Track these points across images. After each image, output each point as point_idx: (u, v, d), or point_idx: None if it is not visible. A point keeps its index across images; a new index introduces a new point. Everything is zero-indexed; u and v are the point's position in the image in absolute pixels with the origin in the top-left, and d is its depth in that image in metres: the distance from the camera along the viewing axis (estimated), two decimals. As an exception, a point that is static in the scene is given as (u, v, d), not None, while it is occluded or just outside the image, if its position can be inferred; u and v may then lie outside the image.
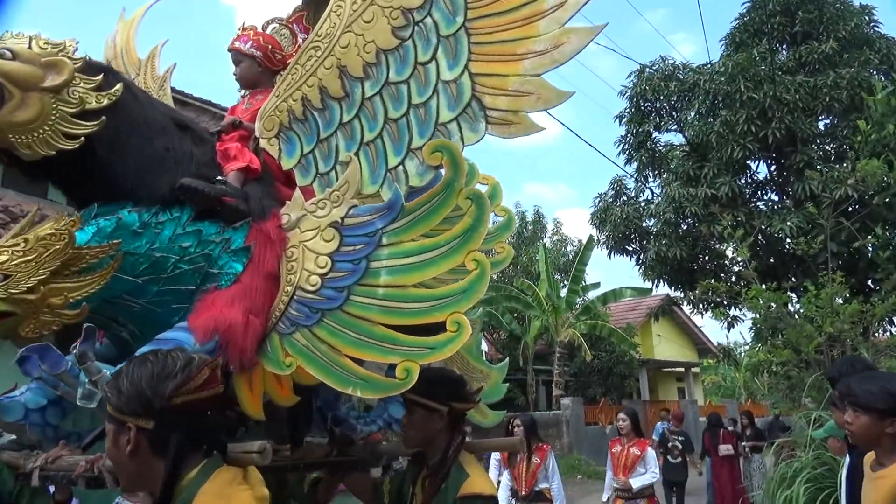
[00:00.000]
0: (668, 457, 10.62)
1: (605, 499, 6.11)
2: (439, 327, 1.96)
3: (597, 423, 18.14)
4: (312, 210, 2.14)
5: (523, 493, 5.48)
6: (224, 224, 2.16)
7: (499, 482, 6.48)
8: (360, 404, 2.64)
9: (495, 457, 6.67)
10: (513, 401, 19.96)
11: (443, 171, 2.08)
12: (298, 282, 2.07)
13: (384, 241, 2.03)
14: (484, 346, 23.38)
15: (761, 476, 10.23)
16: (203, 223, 2.13)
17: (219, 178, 2.23)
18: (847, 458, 3.08)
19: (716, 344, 21.71)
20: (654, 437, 7.25)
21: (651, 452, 6.10)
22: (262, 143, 2.32)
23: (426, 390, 2.10)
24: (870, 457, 2.42)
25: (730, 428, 11.00)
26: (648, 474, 5.94)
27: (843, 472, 3.08)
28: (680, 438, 10.73)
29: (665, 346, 24.34)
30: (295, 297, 2.06)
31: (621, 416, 6.26)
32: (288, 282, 2.09)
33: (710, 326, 66.33)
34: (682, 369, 26.31)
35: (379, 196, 2.14)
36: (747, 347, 15.63)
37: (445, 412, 2.14)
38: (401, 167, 2.14)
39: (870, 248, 9.42)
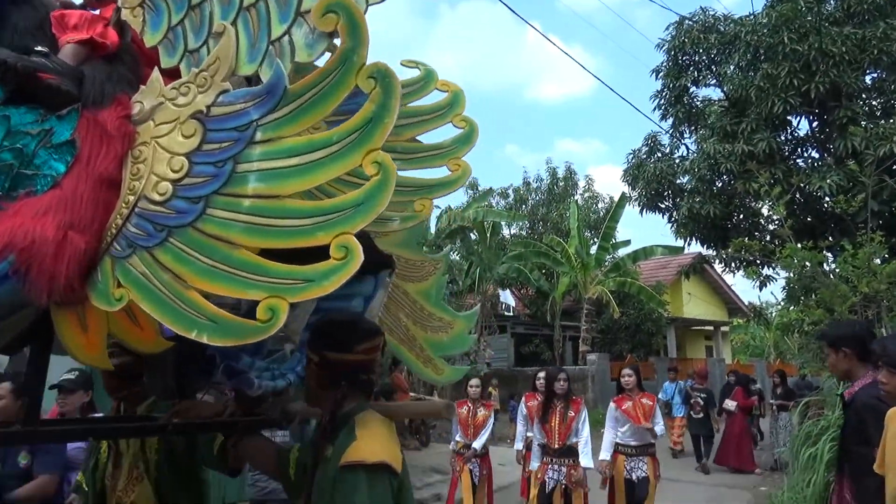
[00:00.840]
0: (692, 412, 10.87)
1: (606, 457, 6.02)
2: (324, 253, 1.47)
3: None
4: (172, 97, 1.65)
5: (556, 445, 5.58)
6: (45, 111, 1.67)
7: (527, 438, 6.65)
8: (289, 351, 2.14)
9: (522, 411, 6.82)
10: (539, 356, 20.17)
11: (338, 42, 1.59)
12: (144, 190, 1.58)
13: (258, 136, 1.56)
14: (511, 302, 23.65)
15: (787, 434, 10.29)
16: (15, 109, 1.65)
17: (39, 48, 1.75)
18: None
19: (747, 303, 21.48)
20: (659, 396, 7.28)
21: (657, 407, 6.15)
22: (124, 13, 1.84)
23: (310, 337, 1.85)
24: (893, 412, 2.44)
25: (754, 387, 11.06)
26: (658, 427, 6.02)
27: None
28: (702, 395, 10.94)
29: (695, 304, 24.17)
30: (136, 210, 1.57)
31: (627, 371, 6.25)
32: (130, 189, 1.60)
33: (741, 286, 65.64)
34: (711, 328, 26.17)
35: (259, 78, 1.66)
36: (779, 307, 15.48)
37: (315, 362, 1.81)
38: (286, 38, 1.66)
39: (912, 208, 9.16)
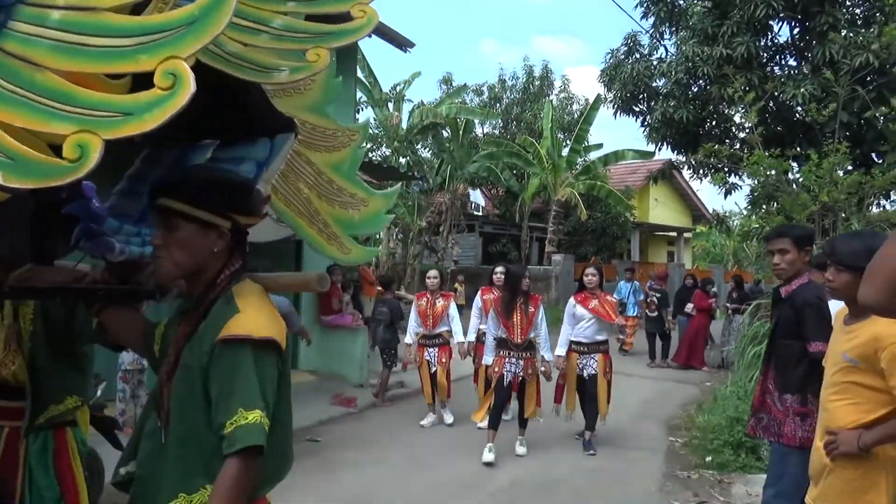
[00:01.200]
0: (647, 311, 11.37)
1: (562, 353, 6.11)
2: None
3: (585, 280, 18.76)
4: None
5: (518, 341, 5.67)
6: None
7: (479, 331, 6.73)
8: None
9: (477, 304, 6.84)
10: (506, 255, 20.48)
11: None
12: None
13: None
14: (481, 201, 23.71)
15: (738, 335, 10.81)
16: None
17: None
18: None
19: (710, 211, 21.89)
20: (614, 295, 7.52)
21: (614, 299, 6.47)
22: None
23: (197, 195, 1.57)
24: (842, 311, 2.54)
25: (711, 290, 11.46)
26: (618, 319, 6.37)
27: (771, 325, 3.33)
28: (657, 295, 11.43)
29: (661, 210, 24.57)
30: None
31: (591, 271, 6.29)
32: None
33: (706, 194, 66.64)
34: (675, 234, 26.78)
35: None
36: (741, 216, 15.81)
37: (228, 228, 1.60)
38: None
39: (881, 120, 9.23)
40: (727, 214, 17.90)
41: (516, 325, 5.70)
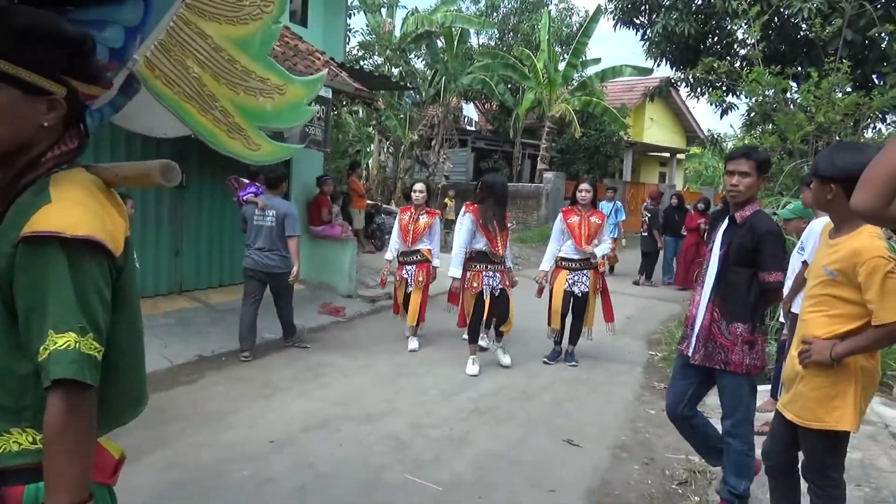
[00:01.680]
0: (641, 231, 11.44)
1: (545, 268, 6.00)
2: None
3: (576, 199, 18.74)
4: None
5: (501, 252, 5.65)
6: None
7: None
8: None
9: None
10: (498, 171, 20.31)
11: None
12: None
13: None
14: (474, 116, 23.27)
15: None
16: None
17: None
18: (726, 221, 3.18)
19: (705, 132, 21.63)
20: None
21: (606, 224, 6.09)
22: None
23: (20, 50, 1.20)
24: (828, 226, 2.54)
25: (700, 207, 11.44)
26: (604, 245, 6.00)
27: (721, 229, 3.14)
28: (648, 215, 11.45)
29: (655, 130, 24.26)
30: None
31: (584, 186, 5.95)
32: None
33: (702, 115, 65.68)
34: (668, 154, 26.54)
35: None
36: (735, 138, 15.64)
37: (63, 97, 1.26)
38: None
39: (885, 39, 8.99)
40: (721, 136, 17.71)
41: (498, 237, 5.66)
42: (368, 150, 18.42)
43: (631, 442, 4.35)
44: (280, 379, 5.34)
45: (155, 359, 5.56)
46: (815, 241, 3.87)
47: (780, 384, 4.49)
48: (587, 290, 5.96)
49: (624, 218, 11.85)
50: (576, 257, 5.92)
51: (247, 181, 6.25)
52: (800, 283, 4.05)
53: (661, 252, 11.72)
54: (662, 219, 11.73)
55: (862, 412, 2.41)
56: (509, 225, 5.80)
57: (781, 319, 4.41)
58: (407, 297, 6.47)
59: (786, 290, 4.36)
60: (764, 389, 5.23)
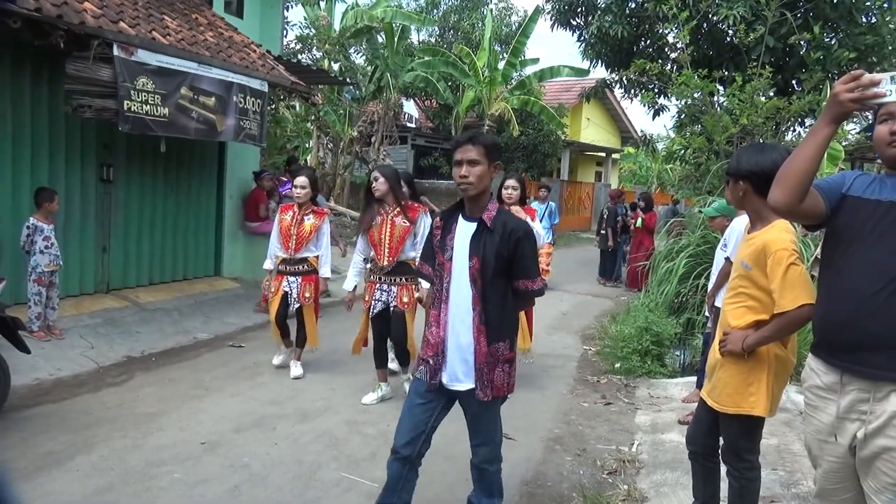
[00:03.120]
0: (600, 229, 11.67)
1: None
2: None
3: (515, 197, 18.99)
4: None
5: (385, 263, 4.67)
6: None
7: None
8: None
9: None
10: (438, 169, 20.39)
11: None
12: None
13: None
14: (415, 113, 23.28)
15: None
16: None
17: None
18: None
19: (639, 132, 22.30)
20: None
21: (537, 221, 5.53)
22: None
23: None
24: (747, 225, 2.69)
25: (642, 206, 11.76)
26: (541, 248, 5.49)
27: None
28: (605, 213, 11.72)
29: (591, 130, 24.84)
30: None
31: (511, 183, 5.09)
32: None
33: (636, 115, 67.65)
34: (604, 154, 27.23)
35: None
36: (667, 140, 16.18)
37: None
38: None
39: (804, 47, 9.48)
40: (654, 137, 18.31)
41: (383, 243, 4.66)
42: (307, 146, 18.15)
43: (564, 434, 4.46)
44: (213, 379, 5.22)
45: (80, 360, 5.35)
46: (737, 238, 4.07)
47: (704, 376, 4.70)
48: None
49: (557, 221, 11.56)
50: None
51: (285, 179, 7.62)
52: (723, 278, 4.23)
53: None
54: (600, 217, 11.90)
55: (776, 398, 2.54)
56: (404, 224, 4.66)
57: (707, 314, 4.60)
58: (285, 312, 5.34)
59: (710, 286, 4.57)
60: (691, 381, 5.46)
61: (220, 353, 6.02)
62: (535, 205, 9.82)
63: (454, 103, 19.73)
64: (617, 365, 6.07)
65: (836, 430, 2.00)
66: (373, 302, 4.74)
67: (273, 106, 11.40)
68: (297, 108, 15.76)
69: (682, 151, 9.60)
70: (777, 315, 2.34)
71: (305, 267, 5.34)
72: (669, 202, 15.27)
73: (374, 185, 4.67)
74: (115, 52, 5.77)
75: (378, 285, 4.74)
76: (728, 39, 10.74)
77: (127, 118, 5.92)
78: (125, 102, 5.87)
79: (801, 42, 9.07)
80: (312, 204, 5.47)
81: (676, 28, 9.02)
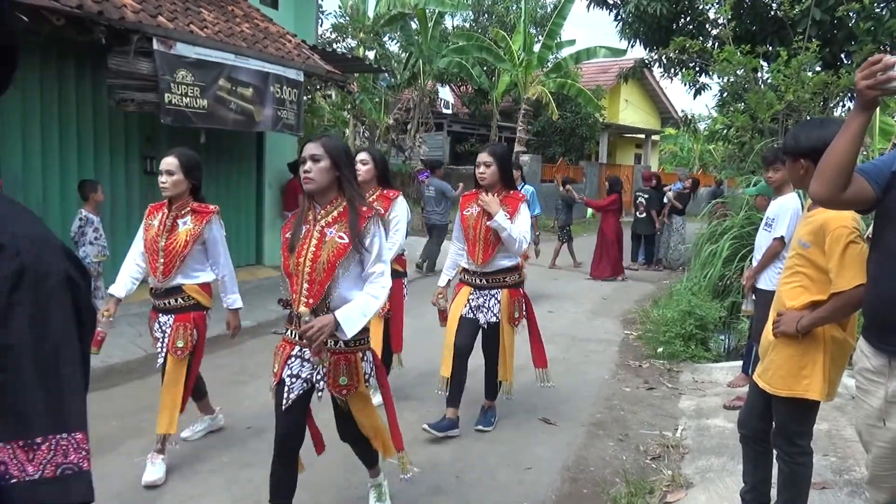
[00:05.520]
0: (636, 212, 11.41)
1: (441, 282, 4.06)
2: None
3: (552, 181, 18.83)
4: None
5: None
6: None
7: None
8: None
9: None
10: (474, 155, 20.26)
11: None
12: None
13: None
14: (450, 99, 23.19)
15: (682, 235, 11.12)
16: None
17: None
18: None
19: (679, 112, 21.81)
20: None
21: (525, 212, 3.83)
22: None
23: None
24: (808, 203, 2.60)
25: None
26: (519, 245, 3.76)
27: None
28: (646, 196, 11.41)
29: (630, 111, 24.38)
30: None
31: (482, 158, 3.82)
32: None
33: (676, 95, 66.16)
34: (643, 136, 26.71)
35: None
36: (709, 119, 15.78)
37: None
38: None
39: (853, 18, 9.10)
40: (695, 116, 17.87)
41: (301, 263, 2.59)
42: (343, 134, 18.26)
43: (606, 419, 4.41)
44: (256, 365, 5.32)
45: (129, 348, 5.50)
46: (790, 218, 3.95)
47: (750, 359, 4.59)
48: (496, 319, 3.90)
49: (539, 212, 9.00)
50: (477, 269, 3.90)
51: (422, 169, 8.54)
52: (768, 258, 4.11)
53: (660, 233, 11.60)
54: (675, 200, 11.56)
55: (833, 382, 2.45)
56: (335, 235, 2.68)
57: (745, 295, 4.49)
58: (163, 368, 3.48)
59: (752, 266, 4.44)
60: (736, 365, 5.34)
61: (262, 339, 6.12)
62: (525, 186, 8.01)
63: (490, 88, 19.58)
64: (659, 349, 5.97)
65: (885, 415, 1.93)
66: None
67: (309, 95, 11.49)
68: (333, 96, 15.84)
69: (725, 131, 9.35)
70: (834, 295, 2.26)
71: (179, 301, 3.42)
72: (712, 183, 14.92)
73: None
74: (155, 45, 5.88)
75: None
76: (771, 13, 10.37)
77: (168, 111, 6.04)
78: (166, 95, 5.98)
79: (850, 13, 8.70)
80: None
81: (717, 3, 8.75)
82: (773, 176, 4.07)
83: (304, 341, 2.51)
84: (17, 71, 0.90)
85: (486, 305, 3.91)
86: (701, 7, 10.98)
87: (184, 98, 6.15)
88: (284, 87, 7.34)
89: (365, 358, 2.73)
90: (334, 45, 15.85)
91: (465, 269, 4.01)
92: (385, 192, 4.10)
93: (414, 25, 17.66)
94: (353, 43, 17.05)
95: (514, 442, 3.95)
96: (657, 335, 6.22)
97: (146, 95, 5.97)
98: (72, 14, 5.20)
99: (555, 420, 4.29)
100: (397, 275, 4.06)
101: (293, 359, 2.65)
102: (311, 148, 2.52)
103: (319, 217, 2.59)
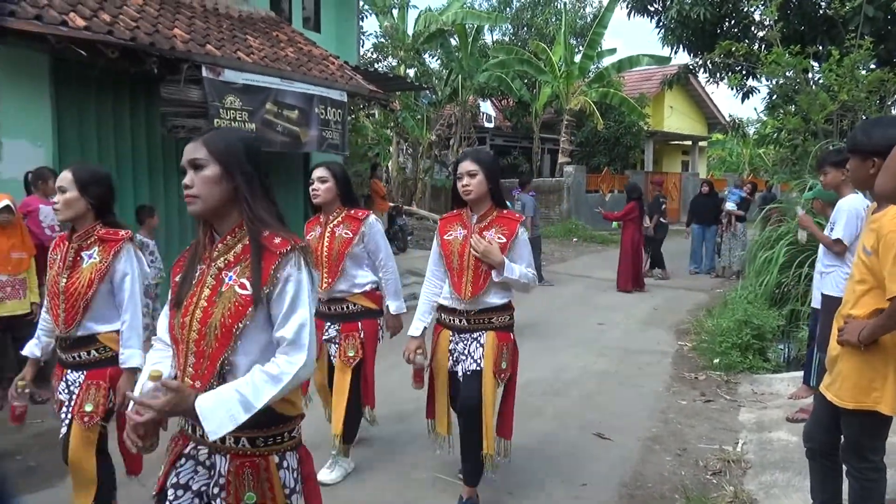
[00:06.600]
0: (661, 218, 11.20)
1: (416, 333, 3.18)
2: None
3: (597, 191, 18.62)
4: None
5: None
6: None
7: None
8: None
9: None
10: (517, 168, 20.24)
11: None
12: None
13: None
14: (492, 112, 23.26)
15: (743, 242, 10.81)
16: None
17: None
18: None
19: (727, 117, 21.33)
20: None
21: (523, 237, 3.04)
22: None
23: None
24: (872, 206, 2.49)
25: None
26: (523, 272, 2.98)
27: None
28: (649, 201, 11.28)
29: (675, 118, 23.97)
30: None
31: (467, 166, 2.98)
32: None
33: (723, 100, 64.77)
34: (689, 143, 26.21)
35: None
36: (758, 124, 15.39)
37: None
38: None
39: (908, 13, 8.77)
40: (744, 121, 17.46)
41: (187, 325, 1.78)
42: (387, 152, 18.47)
43: (663, 433, 4.30)
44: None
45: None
46: (845, 219, 3.80)
47: (811, 370, 4.41)
48: (478, 367, 3.02)
49: (533, 214, 9.30)
50: (457, 306, 3.07)
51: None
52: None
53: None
54: (690, 207, 11.37)
55: None
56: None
57: (814, 305, 4.32)
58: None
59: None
60: (797, 375, 5.14)
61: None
62: (516, 192, 9.72)
63: (531, 101, 19.56)
64: (715, 360, 5.81)
65: None
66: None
67: (353, 115, 11.68)
68: (376, 115, 16.08)
69: (776, 134, 9.09)
70: (889, 300, 2.15)
71: (89, 353, 2.62)
72: (764, 188, 14.53)
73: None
74: (204, 73, 6.07)
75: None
76: (821, 12, 10.09)
77: (218, 136, 6.22)
78: (215, 121, 6.16)
79: (906, 8, 8.39)
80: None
81: (763, 4, 8.56)
82: (824, 179, 3.96)
83: (200, 436, 1.65)
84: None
85: (467, 351, 3.05)
86: (746, 9, 10.76)
87: (232, 123, 6.33)
88: (329, 108, 7.48)
89: (284, 465, 1.71)
90: (376, 65, 16.11)
91: (442, 308, 3.14)
92: (352, 212, 3.44)
93: (453, 42, 17.82)
94: (394, 62, 17.30)
95: (569, 458, 3.88)
96: (713, 346, 6.05)
97: (196, 122, 6.16)
98: (126, 46, 5.42)
99: (609, 435, 4.20)
100: (370, 314, 3.48)
101: (184, 460, 1.73)
102: (190, 151, 1.66)
103: (216, 254, 1.70)
